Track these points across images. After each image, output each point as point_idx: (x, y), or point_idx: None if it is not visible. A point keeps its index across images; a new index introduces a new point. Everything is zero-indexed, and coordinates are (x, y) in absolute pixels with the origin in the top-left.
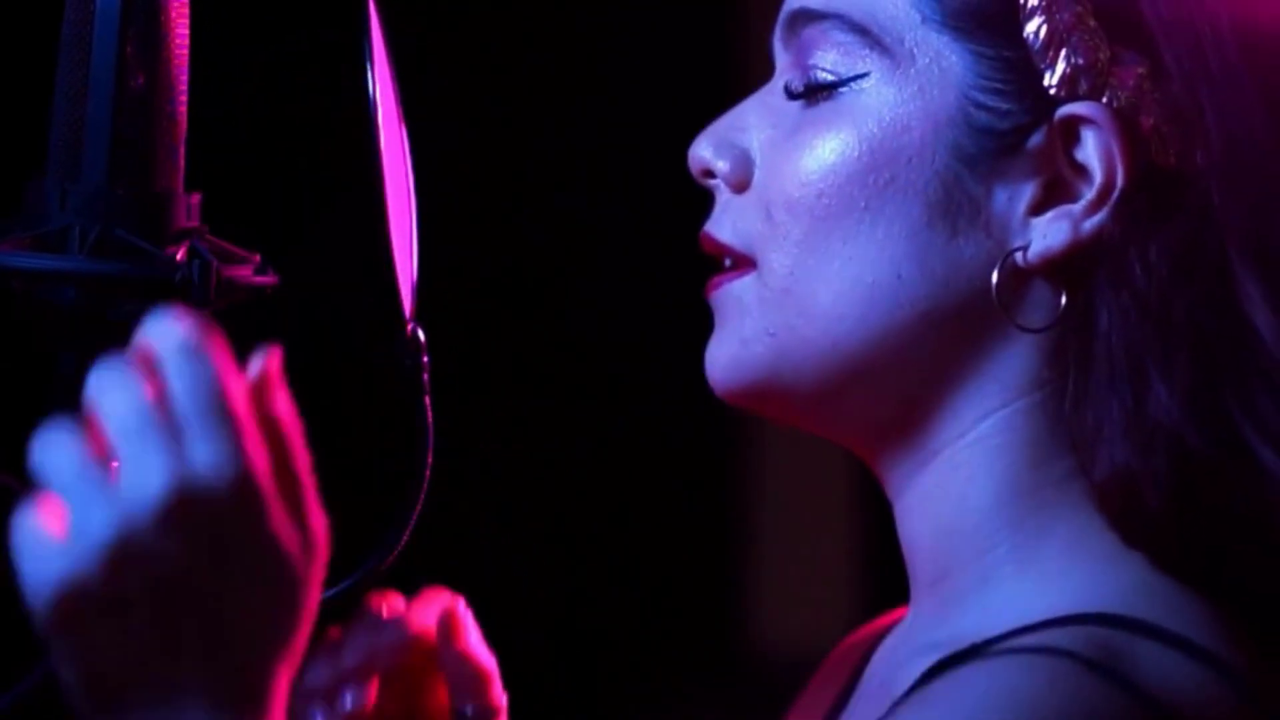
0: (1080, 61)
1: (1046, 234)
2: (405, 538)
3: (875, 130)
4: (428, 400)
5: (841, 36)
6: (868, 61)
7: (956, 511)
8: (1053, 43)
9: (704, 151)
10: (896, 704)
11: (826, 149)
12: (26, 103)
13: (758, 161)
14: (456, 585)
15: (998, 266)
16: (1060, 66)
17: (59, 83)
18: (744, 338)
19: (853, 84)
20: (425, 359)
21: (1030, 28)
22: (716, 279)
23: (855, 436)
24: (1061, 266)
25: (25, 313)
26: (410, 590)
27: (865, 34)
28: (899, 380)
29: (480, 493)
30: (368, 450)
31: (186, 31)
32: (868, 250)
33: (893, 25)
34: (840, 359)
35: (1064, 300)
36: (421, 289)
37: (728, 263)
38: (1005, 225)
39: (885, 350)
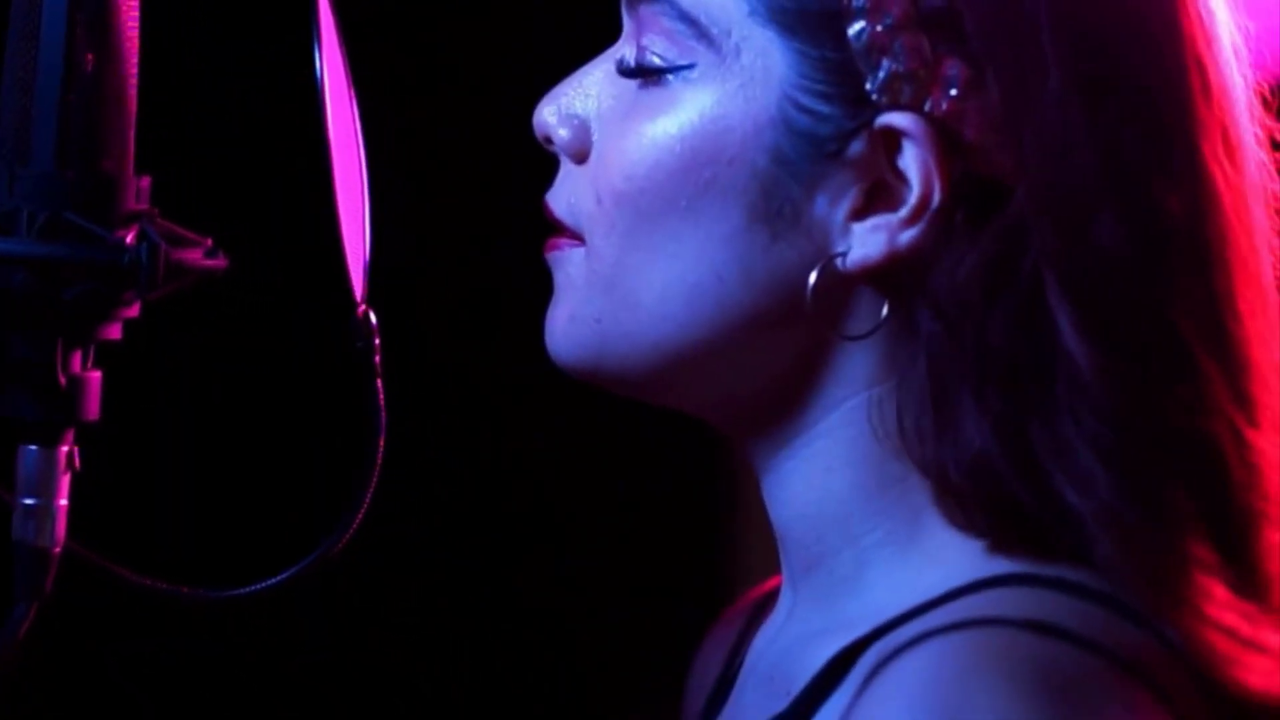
0: (902, 68)
1: (865, 242)
2: (358, 521)
3: (697, 127)
4: (379, 383)
5: (670, 24)
6: (695, 52)
7: (821, 501)
8: (875, 47)
9: (548, 118)
10: (805, 698)
11: (650, 141)
12: None
13: (596, 133)
14: (414, 573)
15: (815, 272)
16: (882, 72)
17: (7, 67)
18: (573, 314)
19: (679, 73)
20: (377, 341)
21: (853, 29)
22: (553, 241)
23: (698, 415)
24: (883, 275)
25: None
26: (363, 575)
27: (693, 24)
28: (729, 377)
29: (441, 480)
30: (321, 433)
31: (136, 14)
32: (689, 251)
33: (721, 16)
34: (664, 355)
35: (885, 311)
36: (375, 271)
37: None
38: (826, 230)
39: (711, 349)
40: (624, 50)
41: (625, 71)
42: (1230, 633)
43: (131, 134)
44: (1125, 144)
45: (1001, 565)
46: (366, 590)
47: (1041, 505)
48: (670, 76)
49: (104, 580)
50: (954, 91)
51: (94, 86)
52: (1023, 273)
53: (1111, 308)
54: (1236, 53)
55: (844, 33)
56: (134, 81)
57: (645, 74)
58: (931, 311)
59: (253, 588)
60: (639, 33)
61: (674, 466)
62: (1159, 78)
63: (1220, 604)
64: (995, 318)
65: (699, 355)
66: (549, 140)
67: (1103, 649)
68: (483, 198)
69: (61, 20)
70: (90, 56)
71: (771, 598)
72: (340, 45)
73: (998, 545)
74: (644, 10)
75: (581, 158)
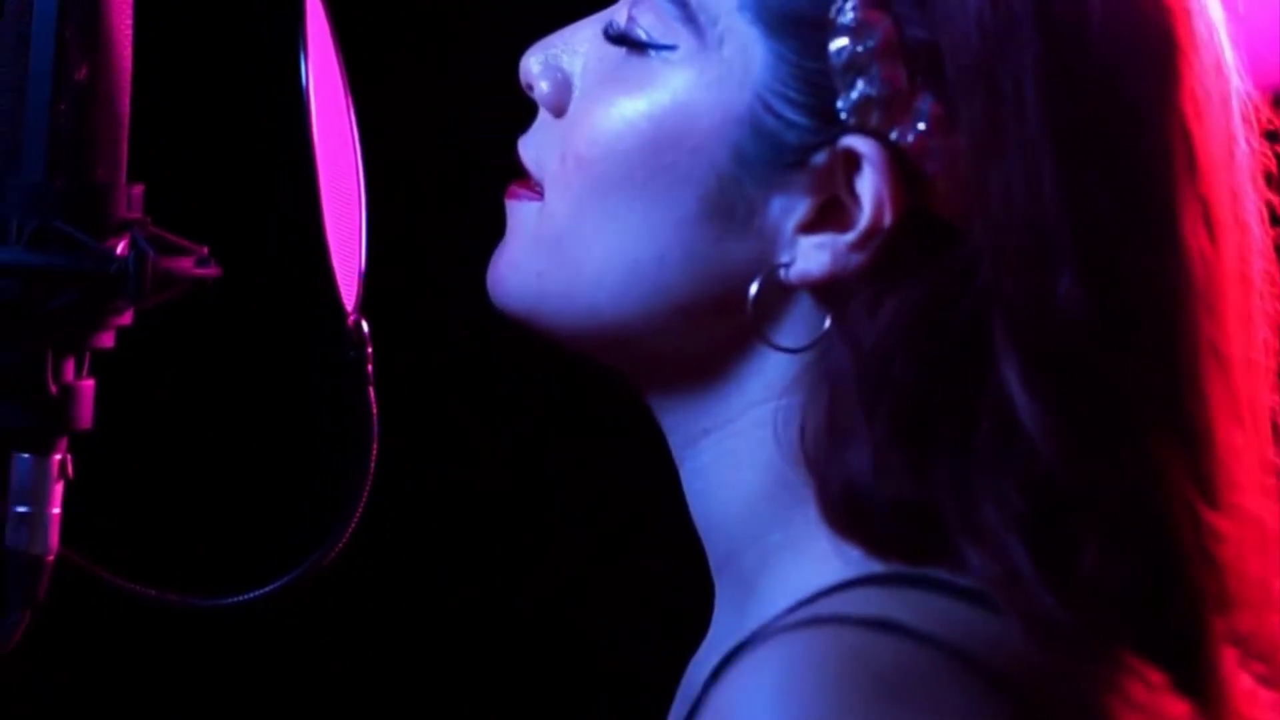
0: (874, 92)
1: (809, 257)
2: (350, 530)
3: (668, 110)
4: (371, 392)
5: (661, 1)
6: (679, 34)
7: (730, 498)
8: (853, 67)
9: (532, 66)
10: (697, 704)
11: (620, 113)
12: None
13: (577, 90)
14: (404, 583)
15: (758, 280)
16: (855, 93)
17: None
18: (515, 263)
19: (660, 52)
20: (369, 350)
21: (835, 45)
22: (514, 189)
23: (630, 385)
24: (823, 292)
25: None
26: (355, 585)
27: (683, 6)
28: (655, 355)
29: (431, 486)
30: (313, 443)
31: (130, 23)
32: (637, 229)
33: (710, 3)
34: (597, 324)
35: (826, 326)
36: (370, 279)
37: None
38: (775, 236)
39: (641, 327)
40: (616, 15)
41: (610, 37)
42: (1125, 697)
43: (124, 142)
44: (1097, 206)
45: (875, 566)
46: (358, 599)
47: (926, 538)
48: (652, 52)
49: (97, 588)
50: (922, 126)
51: (86, 95)
52: (960, 317)
53: (1062, 367)
54: (1246, 122)
55: (825, 46)
56: (128, 90)
57: (628, 44)
58: (846, 337)
59: (244, 596)
60: (633, 2)
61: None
62: (1143, 145)
63: (1122, 668)
64: (911, 354)
65: (629, 329)
66: (530, 89)
67: (939, 642)
68: (474, 201)
69: (51, 29)
70: (84, 66)
71: None
72: (338, 54)
73: (874, 550)
74: None
75: (559, 112)
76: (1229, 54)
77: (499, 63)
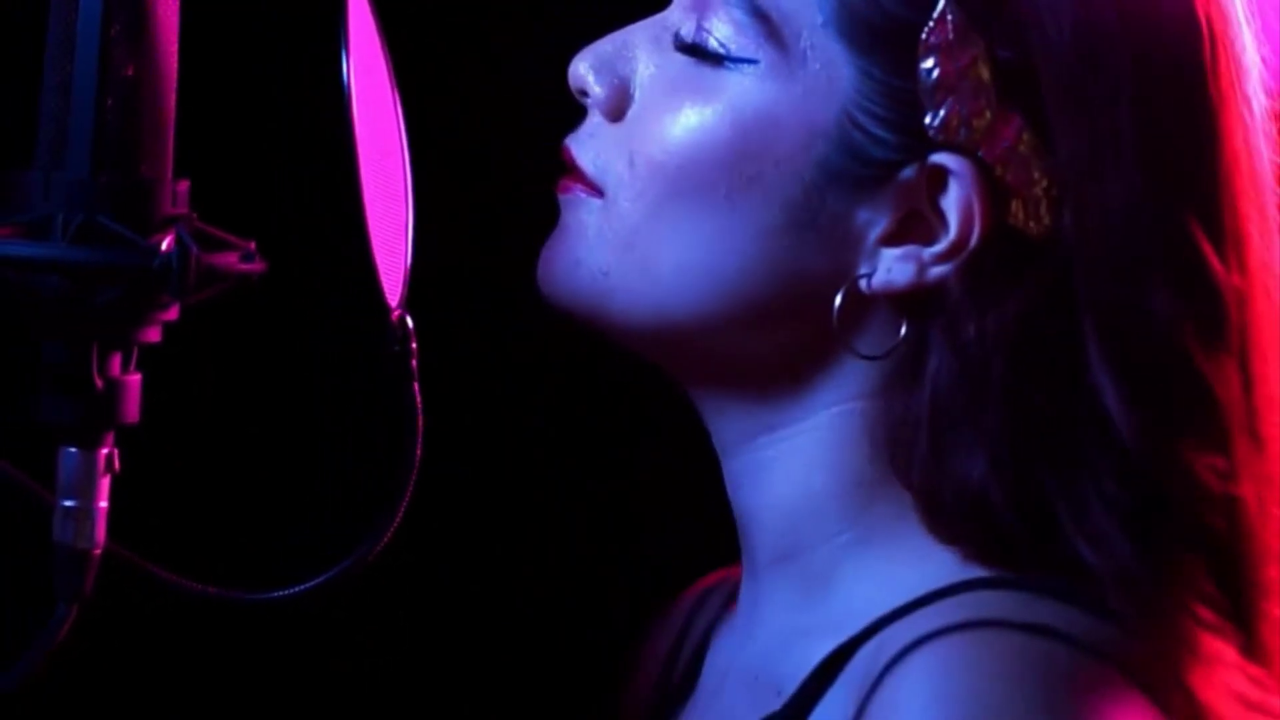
0: (964, 111)
1: (892, 269)
2: (394, 526)
3: (750, 123)
4: (416, 387)
5: (740, 15)
6: (760, 49)
7: (798, 494)
8: (943, 85)
9: (584, 72)
10: (800, 698)
11: (698, 123)
12: (20, 93)
13: (636, 96)
14: (446, 578)
15: (841, 292)
16: (944, 110)
17: (46, 73)
18: (579, 259)
19: (739, 65)
20: (414, 345)
21: (925, 64)
22: (568, 183)
23: (680, 381)
24: (903, 302)
25: (10, 301)
26: (399, 579)
27: (765, 20)
28: (719, 360)
29: (473, 483)
30: (357, 438)
31: (176, 20)
32: (717, 237)
33: (794, 18)
34: (665, 322)
35: (902, 333)
36: (414, 275)
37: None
38: (857, 248)
39: (711, 332)
40: (679, 22)
41: (682, 47)
42: (1238, 696)
43: (170, 138)
44: (1184, 219)
45: (978, 569)
46: (398, 594)
47: (1041, 544)
48: (729, 64)
49: (142, 582)
50: (1009, 144)
51: (132, 92)
52: (1055, 330)
53: (1154, 374)
54: (1265, 134)
55: (914, 64)
56: (173, 86)
57: (704, 56)
58: (951, 347)
59: (289, 591)
60: (702, 10)
61: (705, 476)
62: (1218, 157)
63: (1230, 666)
64: (1010, 362)
65: (698, 331)
66: (583, 93)
67: (1098, 651)
68: (526, 200)
69: (97, 26)
70: (130, 63)
71: (718, 591)
72: (385, 51)
73: (971, 553)
74: None
75: (616, 116)
76: (1258, 65)
77: (544, 61)
